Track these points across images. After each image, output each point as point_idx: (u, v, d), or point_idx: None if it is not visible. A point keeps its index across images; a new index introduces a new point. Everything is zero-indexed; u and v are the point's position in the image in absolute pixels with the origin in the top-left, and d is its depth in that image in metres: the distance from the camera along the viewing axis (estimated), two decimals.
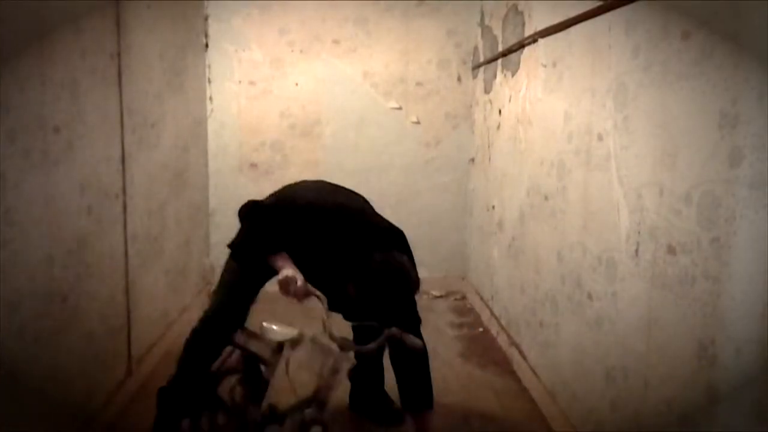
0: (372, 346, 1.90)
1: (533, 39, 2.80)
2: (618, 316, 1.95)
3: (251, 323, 2.20)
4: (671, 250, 1.61)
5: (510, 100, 3.26)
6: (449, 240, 4.42)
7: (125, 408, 2.55)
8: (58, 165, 2.01)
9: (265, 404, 1.87)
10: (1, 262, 1.68)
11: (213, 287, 2.39)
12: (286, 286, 1.94)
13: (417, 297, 2.22)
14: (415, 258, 2.12)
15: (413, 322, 2.16)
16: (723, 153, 1.39)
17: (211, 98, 4.18)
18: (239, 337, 2.16)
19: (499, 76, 3.48)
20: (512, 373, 3.02)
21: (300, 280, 1.95)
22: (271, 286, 2.16)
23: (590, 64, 2.16)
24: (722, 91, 1.39)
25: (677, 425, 1.59)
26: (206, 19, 4.11)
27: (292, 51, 4.20)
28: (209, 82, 4.17)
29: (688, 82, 1.53)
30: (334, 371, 1.87)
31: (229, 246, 2.18)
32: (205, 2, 4.10)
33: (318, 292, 1.97)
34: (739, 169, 1.33)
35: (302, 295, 1.96)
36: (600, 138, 2.07)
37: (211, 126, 4.20)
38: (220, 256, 2.67)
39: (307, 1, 4.16)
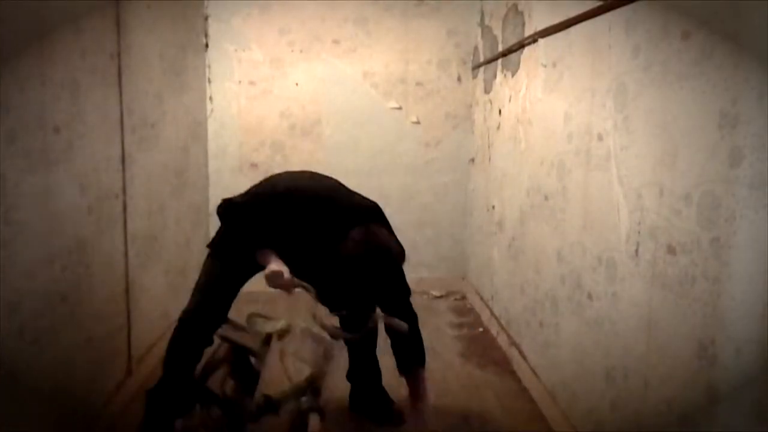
0: (362, 332, 1.94)
1: (533, 39, 2.80)
2: (618, 316, 1.95)
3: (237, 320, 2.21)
4: (671, 250, 1.61)
5: (510, 100, 3.26)
6: (449, 240, 4.41)
7: (125, 408, 2.54)
8: (58, 165, 2.00)
9: (258, 395, 1.87)
10: (1, 262, 1.68)
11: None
12: (273, 279, 1.94)
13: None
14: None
15: (403, 294, 2.16)
16: (723, 153, 1.39)
17: (211, 98, 4.18)
18: (226, 330, 2.16)
19: (499, 76, 3.48)
20: (512, 373, 3.01)
21: (286, 272, 1.95)
22: (250, 286, 2.20)
23: (590, 64, 2.16)
24: (722, 91, 1.39)
25: (677, 425, 1.59)
26: (206, 19, 4.11)
27: (292, 51, 4.20)
28: (209, 82, 4.17)
29: (688, 82, 1.53)
30: (327, 358, 1.88)
31: (209, 246, 2.21)
32: (205, 2, 4.10)
33: (305, 284, 1.97)
34: (739, 169, 1.33)
35: (290, 287, 1.96)
36: (600, 138, 2.07)
37: (211, 126, 4.20)
38: None
39: (307, 1, 4.16)
